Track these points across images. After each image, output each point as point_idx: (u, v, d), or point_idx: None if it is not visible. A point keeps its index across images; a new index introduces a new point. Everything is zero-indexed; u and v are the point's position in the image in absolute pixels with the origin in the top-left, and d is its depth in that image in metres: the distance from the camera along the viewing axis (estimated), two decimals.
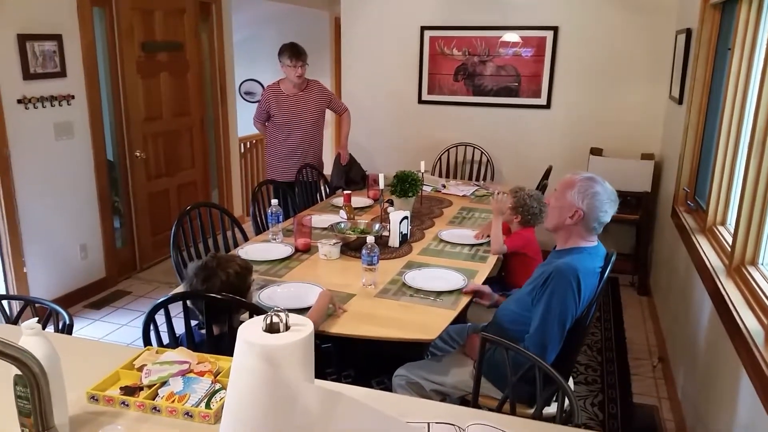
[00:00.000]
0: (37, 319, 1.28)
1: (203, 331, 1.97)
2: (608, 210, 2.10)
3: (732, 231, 2.41)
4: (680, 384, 2.93)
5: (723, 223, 2.80)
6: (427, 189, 4.07)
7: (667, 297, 3.64)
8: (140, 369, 1.47)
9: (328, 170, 4.40)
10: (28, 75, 3.55)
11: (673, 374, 3.11)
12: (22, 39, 3.50)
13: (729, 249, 2.39)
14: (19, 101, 3.52)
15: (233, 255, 2.09)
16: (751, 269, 2.19)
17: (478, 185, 4.33)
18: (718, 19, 3.20)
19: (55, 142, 3.81)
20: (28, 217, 3.66)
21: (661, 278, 3.94)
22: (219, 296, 1.89)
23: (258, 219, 3.52)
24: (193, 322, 1.99)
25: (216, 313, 1.94)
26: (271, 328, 1.01)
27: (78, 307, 4.03)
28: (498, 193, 3.00)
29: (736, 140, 2.71)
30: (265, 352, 0.97)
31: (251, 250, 2.82)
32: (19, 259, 3.62)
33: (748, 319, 1.93)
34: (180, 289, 2.39)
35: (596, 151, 4.58)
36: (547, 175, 4.07)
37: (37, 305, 1.96)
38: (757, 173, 2.16)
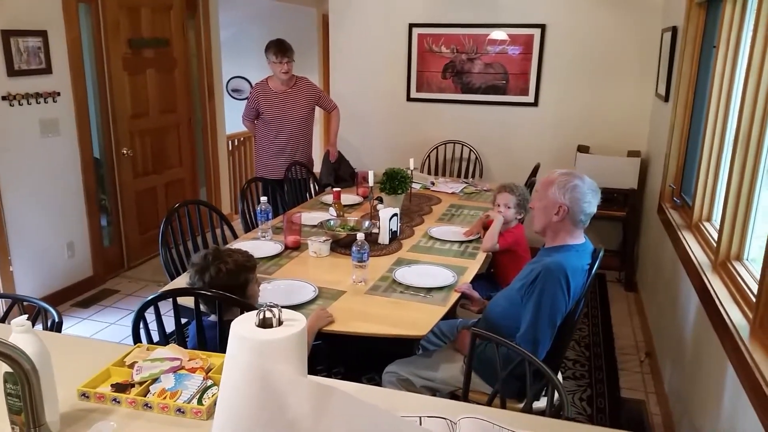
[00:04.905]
0: (26, 316, 1.27)
1: (210, 318, 1.98)
2: (591, 200, 2.12)
3: (717, 227, 2.44)
4: (667, 378, 2.97)
5: (709, 219, 2.84)
6: (416, 186, 4.08)
7: (653, 292, 3.68)
8: (131, 366, 1.46)
9: (318, 168, 4.39)
10: (12, 71, 3.51)
11: (660, 369, 3.14)
12: (6, 35, 3.46)
13: (714, 245, 2.42)
14: (3, 98, 3.48)
15: (235, 250, 2.05)
16: (737, 264, 2.23)
17: (466, 182, 4.35)
18: (703, 17, 3.23)
19: (41, 139, 3.77)
20: (13, 215, 3.62)
21: (648, 274, 3.98)
22: (209, 293, 1.89)
23: (247, 216, 3.50)
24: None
25: (209, 307, 1.96)
26: (264, 324, 1.01)
27: (65, 305, 4.00)
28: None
29: (722, 137, 2.74)
30: (258, 346, 0.97)
31: (241, 248, 2.81)
32: (5, 258, 3.59)
33: (734, 314, 1.96)
34: (177, 281, 2.38)
35: (583, 149, 4.61)
36: (535, 172, 4.09)
37: (25, 303, 1.94)
38: (741, 169, 2.19)
